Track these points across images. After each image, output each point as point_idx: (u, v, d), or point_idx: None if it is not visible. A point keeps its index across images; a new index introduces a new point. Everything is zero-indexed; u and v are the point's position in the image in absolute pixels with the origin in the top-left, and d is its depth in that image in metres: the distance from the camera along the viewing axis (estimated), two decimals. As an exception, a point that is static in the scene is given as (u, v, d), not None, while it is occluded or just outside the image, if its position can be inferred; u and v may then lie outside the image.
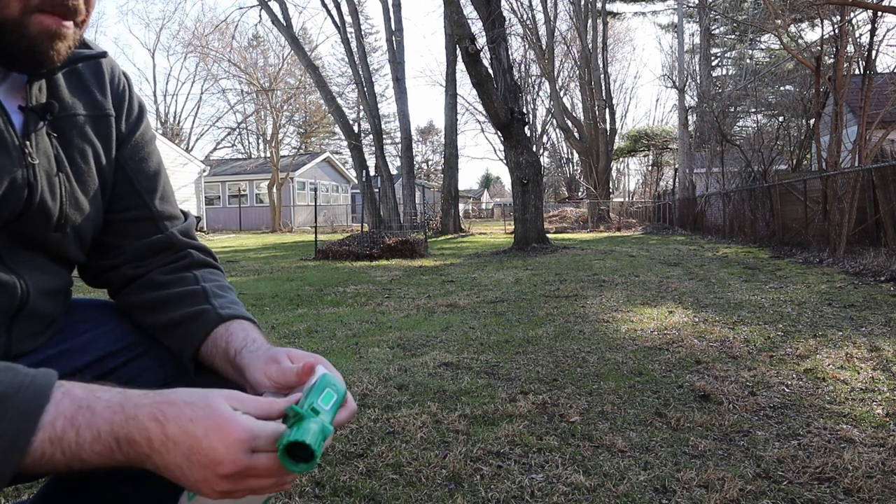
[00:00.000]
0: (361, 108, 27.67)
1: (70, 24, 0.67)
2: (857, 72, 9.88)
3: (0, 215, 0.68)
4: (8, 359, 0.72)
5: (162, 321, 0.83)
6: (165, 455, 0.55)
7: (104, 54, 0.83)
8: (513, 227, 12.15)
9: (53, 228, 0.75)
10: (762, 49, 30.02)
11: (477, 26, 13.98)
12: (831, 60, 9.64)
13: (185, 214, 0.93)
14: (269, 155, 28.30)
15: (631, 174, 49.67)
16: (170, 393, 0.58)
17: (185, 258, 0.89)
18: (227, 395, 0.59)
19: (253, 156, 38.09)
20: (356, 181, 27.06)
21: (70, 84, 0.79)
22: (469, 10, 13.43)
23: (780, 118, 16.13)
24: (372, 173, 21.56)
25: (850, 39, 8.98)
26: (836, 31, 8.69)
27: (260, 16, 29.99)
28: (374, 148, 21.16)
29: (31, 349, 0.77)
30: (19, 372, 0.55)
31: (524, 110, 11.41)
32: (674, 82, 22.29)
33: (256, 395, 0.68)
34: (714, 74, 29.80)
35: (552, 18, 27.51)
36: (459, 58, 12.84)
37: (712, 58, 29.60)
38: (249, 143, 43.78)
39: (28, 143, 0.70)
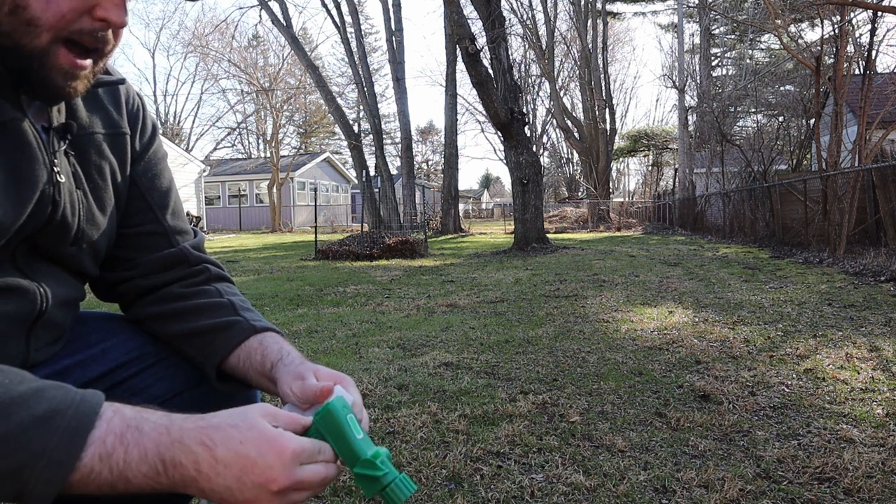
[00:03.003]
0: (361, 108, 27.69)
1: (88, 62, 0.67)
2: (857, 72, 9.88)
3: (24, 229, 0.69)
4: (26, 367, 0.74)
5: (183, 330, 0.85)
6: (214, 478, 0.57)
7: (123, 81, 0.85)
8: (513, 227, 12.14)
9: (70, 243, 0.77)
10: (762, 49, 30.03)
11: (477, 26, 13.98)
12: (831, 60, 9.64)
13: (195, 230, 0.96)
14: (269, 155, 28.31)
15: (631, 174, 49.71)
16: (211, 417, 0.60)
17: (203, 273, 0.92)
18: (262, 411, 0.62)
19: (253, 156, 38.07)
20: (356, 181, 27.06)
21: (87, 103, 0.81)
22: (469, 10, 13.43)
23: (780, 118, 16.13)
24: (372, 173, 21.56)
25: (850, 39, 8.98)
26: (836, 31, 8.69)
27: (260, 16, 30.04)
28: (374, 148, 21.16)
29: (46, 358, 0.78)
30: (70, 390, 0.57)
31: (524, 110, 11.41)
32: (674, 82, 22.29)
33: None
34: (714, 74, 29.80)
35: (552, 18, 27.50)
36: (459, 58, 12.84)
37: (712, 58, 29.59)
38: (249, 143, 43.79)
39: (55, 161, 0.72)
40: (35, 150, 0.69)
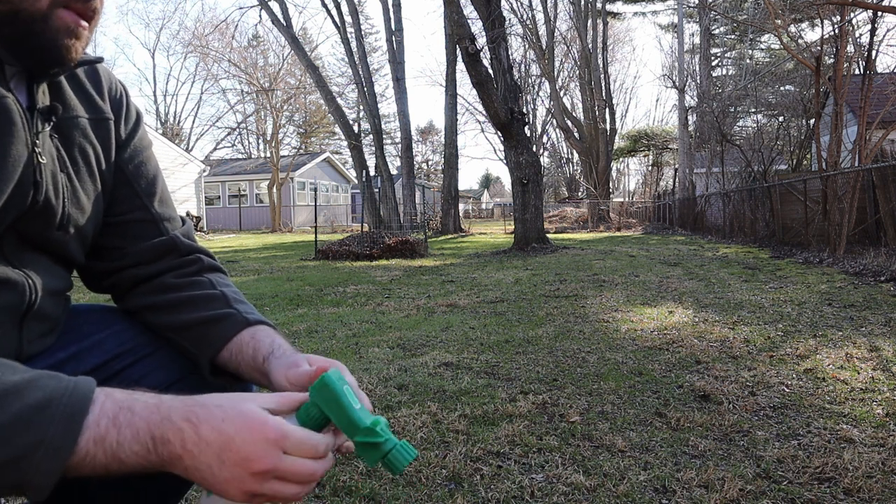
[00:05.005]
0: (361, 108, 27.67)
1: (87, 25, 0.70)
2: (857, 72, 9.88)
3: (8, 213, 0.69)
4: (20, 360, 0.74)
5: (176, 322, 0.85)
6: (197, 455, 0.58)
7: (101, 59, 0.86)
8: (513, 227, 12.14)
9: (56, 227, 0.76)
10: (762, 49, 30.02)
11: (477, 26, 13.98)
12: (831, 60, 9.64)
13: (183, 219, 0.96)
14: (269, 155, 28.31)
15: (631, 174, 49.71)
16: (200, 397, 0.61)
17: (195, 263, 0.91)
18: (252, 397, 0.63)
19: (253, 156, 38.06)
20: (356, 181, 27.05)
21: (72, 87, 0.81)
22: (469, 10, 13.42)
23: (780, 118, 16.13)
24: (372, 173, 21.55)
25: (850, 39, 8.98)
26: (836, 31, 8.69)
27: (260, 16, 30.05)
28: (374, 148, 21.16)
29: (39, 351, 0.78)
30: (62, 378, 0.57)
31: (524, 110, 11.41)
32: (674, 82, 22.29)
33: None
34: (714, 74, 29.79)
35: (552, 18, 27.50)
36: (459, 58, 12.84)
37: (712, 58, 29.58)
38: (249, 143, 43.78)
39: (37, 142, 0.72)
40: (19, 130, 0.69)
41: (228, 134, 40.85)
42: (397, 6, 20.21)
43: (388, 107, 42.83)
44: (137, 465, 0.57)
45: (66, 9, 0.67)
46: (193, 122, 65.06)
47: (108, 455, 0.55)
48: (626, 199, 37.63)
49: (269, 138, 29.47)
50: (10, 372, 0.55)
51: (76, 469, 0.55)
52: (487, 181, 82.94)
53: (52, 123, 0.75)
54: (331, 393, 0.63)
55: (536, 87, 36.71)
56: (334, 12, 20.22)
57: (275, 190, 26.41)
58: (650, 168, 36.63)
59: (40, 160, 0.72)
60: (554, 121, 34.24)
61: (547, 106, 36.52)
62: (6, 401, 0.52)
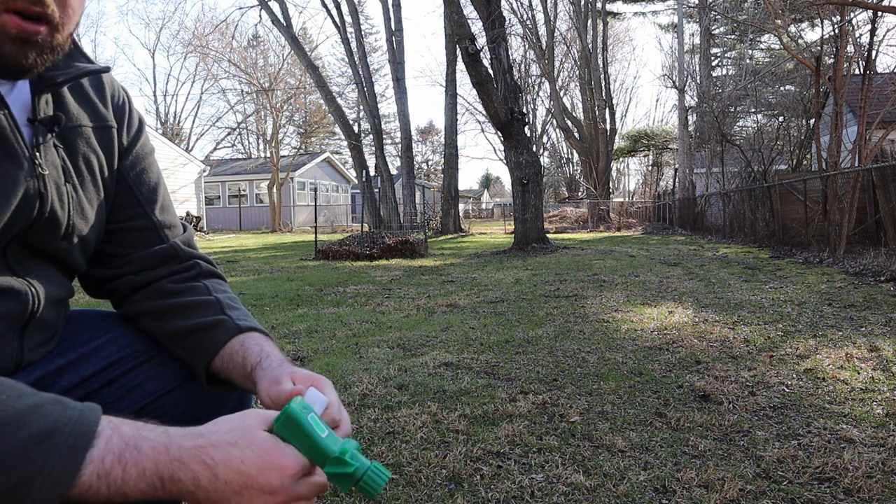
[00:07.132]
0: (361, 108, 27.67)
1: (42, 29, 0.65)
2: (857, 72, 9.88)
3: (14, 225, 0.69)
4: (20, 368, 0.74)
5: (172, 328, 0.85)
6: (213, 492, 0.58)
7: (108, 69, 0.85)
8: (513, 227, 12.15)
9: (61, 237, 0.76)
10: (762, 49, 30.01)
11: (477, 26, 13.98)
12: (831, 60, 9.64)
13: (184, 225, 0.96)
14: (269, 155, 28.31)
15: (631, 174, 49.68)
16: (210, 434, 0.60)
17: (193, 269, 0.91)
18: (258, 421, 0.62)
19: (253, 156, 38.06)
20: (356, 181, 27.06)
21: (74, 96, 0.81)
22: (469, 10, 13.43)
23: (780, 118, 16.14)
24: (372, 173, 21.56)
25: (850, 39, 8.98)
26: (836, 31, 8.69)
27: (260, 16, 30.02)
28: (374, 148, 21.17)
29: (39, 358, 0.78)
30: (67, 405, 0.56)
31: (524, 110, 11.41)
32: (674, 82, 22.28)
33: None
34: (714, 74, 29.79)
35: (552, 18, 27.51)
36: (459, 58, 12.84)
37: (712, 58, 29.58)
38: (249, 143, 43.79)
39: (38, 154, 0.71)
40: (12, 144, 0.68)
41: (228, 134, 40.88)
42: (397, 6, 20.21)
43: (388, 107, 42.82)
44: (142, 499, 0.57)
45: (9, 13, 0.62)
46: (193, 122, 65.14)
47: (112, 490, 0.55)
48: (626, 199, 37.59)
49: (269, 138, 29.48)
50: (16, 397, 0.54)
51: (78, 498, 0.54)
52: (487, 181, 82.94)
53: (54, 134, 0.74)
54: (295, 424, 0.63)
55: (536, 87, 36.70)
56: (334, 12, 20.23)
57: (275, 190, 26.41)
58: (650, 168, 36.61)
59: (41, 172, 0.71)
60: (554, 121, 34.25)
61: (547, 106, 36.55)
62: (8, 429, 0.52)
